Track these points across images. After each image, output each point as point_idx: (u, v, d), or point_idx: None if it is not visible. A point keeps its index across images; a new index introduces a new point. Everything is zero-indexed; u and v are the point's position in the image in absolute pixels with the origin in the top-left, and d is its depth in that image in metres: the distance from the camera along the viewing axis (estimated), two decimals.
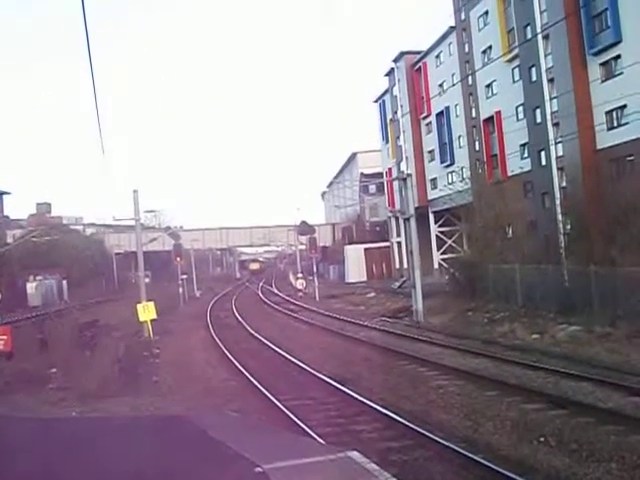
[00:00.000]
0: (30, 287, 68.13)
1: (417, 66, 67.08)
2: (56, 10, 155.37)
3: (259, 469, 5.73)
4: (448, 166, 61.75)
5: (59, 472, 6.25)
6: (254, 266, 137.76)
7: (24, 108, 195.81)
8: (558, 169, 42.59)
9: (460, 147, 59.54)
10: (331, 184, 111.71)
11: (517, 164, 47.91)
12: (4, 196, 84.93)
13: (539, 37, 42.37)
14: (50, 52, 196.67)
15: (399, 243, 71.97)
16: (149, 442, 7.18)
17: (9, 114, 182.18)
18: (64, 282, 75.66)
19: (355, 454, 7.02)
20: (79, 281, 75.25)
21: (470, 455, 12.06)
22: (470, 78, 54.04)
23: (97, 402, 19.26)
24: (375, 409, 16.19)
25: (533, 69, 45.11)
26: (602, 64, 40.14)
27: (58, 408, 18.85)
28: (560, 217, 38.44)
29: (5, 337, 16.50)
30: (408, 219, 38.63)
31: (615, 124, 39.20)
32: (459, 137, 59.79)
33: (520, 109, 48.14)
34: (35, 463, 6.40)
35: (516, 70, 48.42)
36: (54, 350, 28.87)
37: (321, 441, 12.74)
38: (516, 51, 46.26)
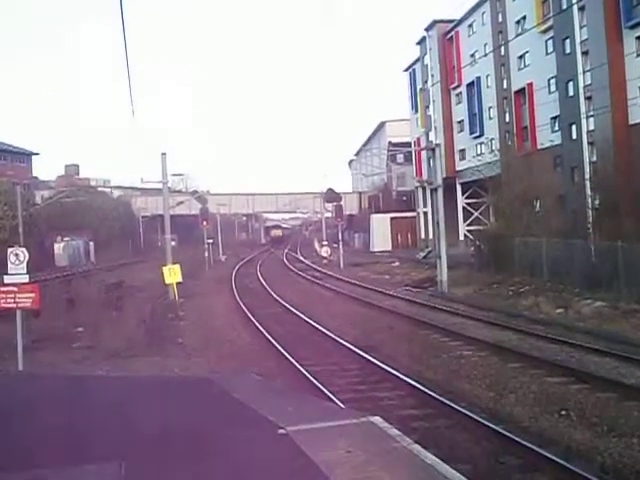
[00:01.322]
0: (57, 248, 68.83)
1: (449, 35, 66.33)
2: None
3: (282, 431, 5.80)
4: (477, 137, 61.23)
5: (85, 426, 6.34)
6: (276, 233, 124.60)
7: (54, 69, 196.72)
8: (589, 143, 42.18)
9: (490, 118, 58.98)
10: (359, 152, 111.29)
11: (547, 137, 47.44)
12: (33, 157, 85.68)
13: (574, 8, 41.73)
14: (81, 12, 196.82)
15: (425, 213, 71.72)
16: (174, 403, 7.26)
17: (39, 75, 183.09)
18: (91, 243, 76.34)
19: (377, 419, 7.08)
20: (106, 243, 75.85)
21: (491, 425, 12.10)
22: (502, 48, 53.42)
23: (123, 361, 19.52)
24: (397, 377, 16.24)
25: (567, 41, 44.49)
26: (638, 38, 39.49)
27: (84, 366, 19.12)
28: (589, 192, 38.07)
29: (33, 295, 16.66)
30: (435, 189, 38.47)
31: None
32: (489, 108, 59.18)
33: (552, 81, 47.55)
34: (61, 418, 6.50)
35: (550, 42, 47.77)
36: (80, 310, 29.21)
37: (343, 406, 12.84)
38: (550, 22, 45.63)
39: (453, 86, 66.69)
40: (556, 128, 47.12)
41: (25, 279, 16.84)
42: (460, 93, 66.18)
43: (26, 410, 6.71)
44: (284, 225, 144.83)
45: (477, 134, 61.33)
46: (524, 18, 51.11)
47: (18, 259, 16.75)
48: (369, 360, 18.26)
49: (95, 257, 73.17)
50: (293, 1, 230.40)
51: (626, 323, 23.43)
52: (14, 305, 16.67)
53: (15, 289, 16.58)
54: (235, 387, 7.32)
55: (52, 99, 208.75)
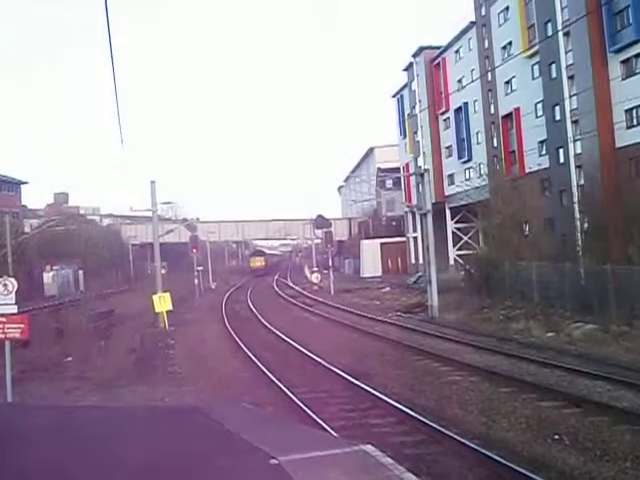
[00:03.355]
0: (47, 277, 68.44)
1: (436, 61, 66.85)
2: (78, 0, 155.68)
3: (274, 461, 5.74)
4: (466, 162, 61.51)
5: (73, 460, 6.28)
6: (256, 262, 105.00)
7: (43, 98, 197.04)
8: (576, 167, 42.42)
9: (478, 143, 59.31)
10: (348, 178, 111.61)
11: (535, 161, 47.70)
12: (22, 186, 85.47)
13: (560, 34, 42.16)
14: (70, 42, 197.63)
15: (415, 238, 71.87)
16: (163, 432, 7.20)
17: (29, 104, 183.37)
18: (80, 272, 75.98)
19: (370, 447, 7.03)
20: (95, 271, 75.52)
21: (484, 451, 12.04)
22: (489, 74, 53.83)
23: (112, 391, 19.38)
24: (389, 403, 16.17)
25: (553, 66, 44.88)
26: (623, 62, 39.91)
27: (73, 396, 18.98)
28: (578, 215, 38.24)
29: (22, 325, 16.50)
30: (425, 214, 38.53)
31: (635, 122, 39.01)
32: (477, 133, 59.54)
33: (539, 106, 47.87)
34: (50, 451, 6.43)
35: (536, 67, 48.17)
36: (70, 339, 29.03)
37: (335, 434, 12.76)
38: (536, 47, 46.02)
39: (441, 111, 67.04)
40: (544, 152, 47.39)
41: (14, 309, 16.70)
42: (448, 118, 66.56)
43: (11, 442, 6.62)
44: (270, 251, 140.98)
45: (465, 159, 61.61)
46: (510, 44, 51.58)
47: (7, 289, 16.63)
48: (360, 387, 18.18)
49: (85, 286, 72.74)
50: (281, 27, 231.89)
51: (617, 346, 23.45)
52: (3, 336, 16.53)
53: (4, 319, 16.44)
54: (225, 416, 7.27)
55: (41, 127, 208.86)
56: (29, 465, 5.90)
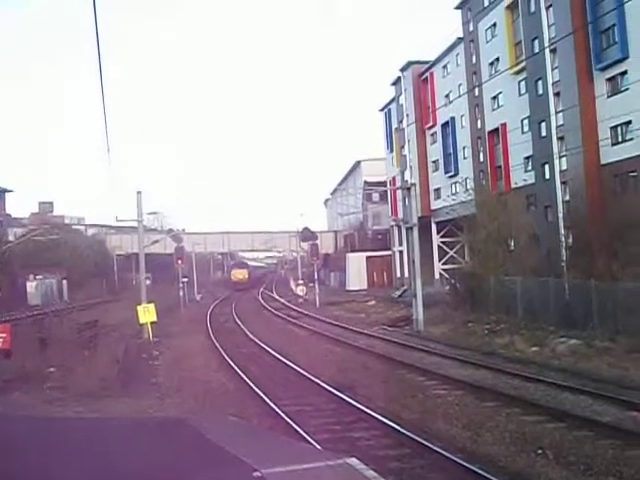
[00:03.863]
0: (30, 286, 68.03)
1: (424, 76, 67.14)
2: (64, 8, 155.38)
3: (258, 474, 5.69)
4: (452, 177, 61.69)
5: (55, 472, 6.21)
6: (238, 275, 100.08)
7: (28, 106, 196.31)
8: (562, 183, 42.64)
9: (464, 158, 59.55)
10: (334, 191, 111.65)
11: (521, 177, 47.90)
12: (6, 194, 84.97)
13: (546, 51, 42.43)
14: (56, 50, 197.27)
15: (401, 252, 71.95)
16: (147, 444, 7.13)
17: (14, 112, 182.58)
18: (64, 282, 75.56)
19: (354, 460, 7.00)
20: (79, 281, 75.16)
21: (468, 465, 12.03)
22: (476, 89, 54.08)
23: (95, 402, 19.19)
24: (373, 417, 16.14)
25: (539, 82, 45.17)
26: (608, 79, 40.18)
27: (56, 407, 18.79)
28: (562, 231, 38.42)
29: (4, 335, 16.43)
30: (411, 228, 38.61)
31: (620, 139, 39.22)
32: (464, 148, 59.78)
33: (525, 122, 48.11)
34: (31, 463, 6.36)
35: (522, 83, 48.46)
36: (53, 349, 28.80)
37: (319, 447, 12.71)
38: (523, 64, 46.30)
39: (428, 126, 67.28)
40: (529, 168, 47.59)
41: None
42: (435, 133, 66.82)
43: None
44: (256, 263, 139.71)
45: (452, 173, 61.79)
46: (497, 60, 51.85)
47: None
48: (345, 400, 18.14)
49: (69, 296, 72.42)
50: (268, 40, 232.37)
51: (600, 361, 23.51)
52: None
53: None
54: (209, 428, 7.19)
55: (26, 135, 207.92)
56: (10, 475, 5.83)
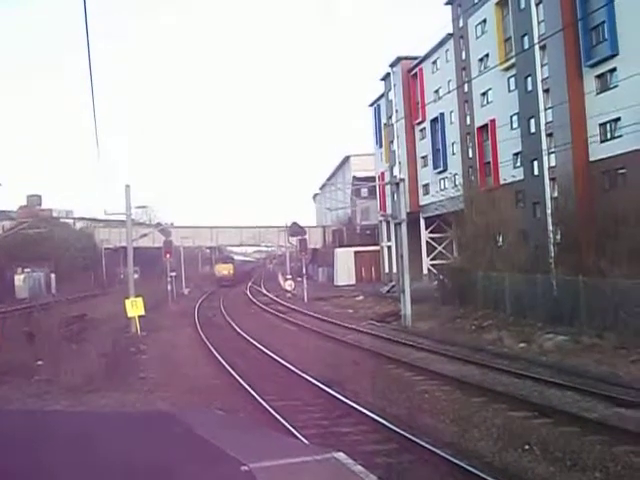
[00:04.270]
0: (18, 279, 67.84)
1: (413, 72, 67.14)
2: (54, 5, 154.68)
3: (245, 468, 5.68)
4: (441, 172, 61.80)
5: (42, 466, 6.18)
6: (222, 270, 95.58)
7: (16, 99, 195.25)
8: (550, 179, 42.74)
9: (453, 154, 59.63)
10: (323, 186, 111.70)
11: (509, 173, 47.99)
12: None
13: (536, 47, 42.52)
14: (44, 44, 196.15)
15: (389, 247, 71.96)
16: (134, 438, 7.10)
17: (1, 105, 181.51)
18: (52, 275, 75.32)
19: (341, 455, 7.00)
20: (67, 275, 74.92)
21: (455, 460, 12.05)
22: (466, 85, 54.11)
23: (83, 396, 19.15)
24: (361, 412, 16.15)
25: (529, 79, 45.21)
26: (598, 76, 40.28)
27: (43, 401, 18.74)
28: (551, 227, 38.51)
29: None
30: (399, 224, 38.59)
31: (609, 136, 39.33)
32: (453, 144, 59.84)
33: (515, 118, 48.18)
34: (18, 457, 6.32)
35: (512, 79, 48.50)
36: (41, 343, 28.70)
37: (306, 442, 12.71)
38: (513, 60, 46.39)
39: (417, 122, 67.29)
40: (518, 164, 47.69)
41: None
42: (424, 129, 66.84)
43: None
44: (244, 258, 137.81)
45: (441, 169, 61.89)
46: (487, 56, 51.91)
47: None
48: (332, 395, 18.15)
49: (57, 289, 72.12)
50: (257, 37, 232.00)
51: (588, 357, 23.59)
52: None
53: None
54: (197, 422, 7.17)
55: (14, 128, 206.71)
56: None
